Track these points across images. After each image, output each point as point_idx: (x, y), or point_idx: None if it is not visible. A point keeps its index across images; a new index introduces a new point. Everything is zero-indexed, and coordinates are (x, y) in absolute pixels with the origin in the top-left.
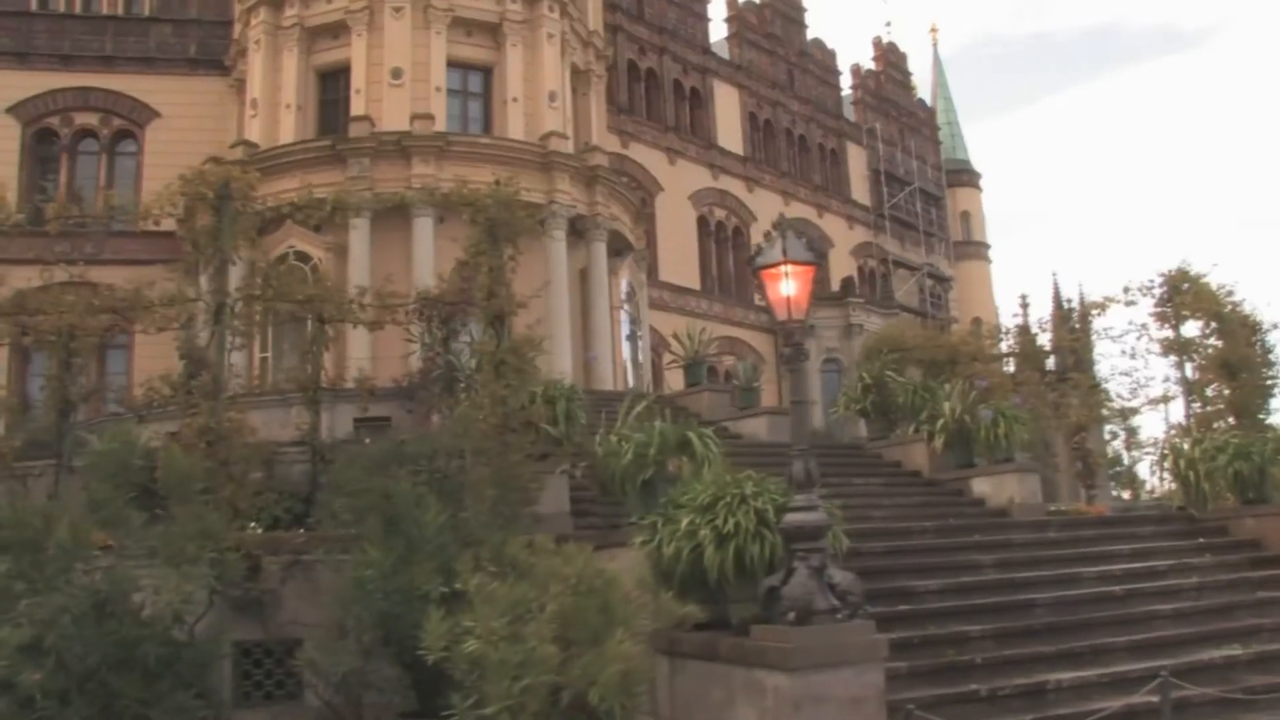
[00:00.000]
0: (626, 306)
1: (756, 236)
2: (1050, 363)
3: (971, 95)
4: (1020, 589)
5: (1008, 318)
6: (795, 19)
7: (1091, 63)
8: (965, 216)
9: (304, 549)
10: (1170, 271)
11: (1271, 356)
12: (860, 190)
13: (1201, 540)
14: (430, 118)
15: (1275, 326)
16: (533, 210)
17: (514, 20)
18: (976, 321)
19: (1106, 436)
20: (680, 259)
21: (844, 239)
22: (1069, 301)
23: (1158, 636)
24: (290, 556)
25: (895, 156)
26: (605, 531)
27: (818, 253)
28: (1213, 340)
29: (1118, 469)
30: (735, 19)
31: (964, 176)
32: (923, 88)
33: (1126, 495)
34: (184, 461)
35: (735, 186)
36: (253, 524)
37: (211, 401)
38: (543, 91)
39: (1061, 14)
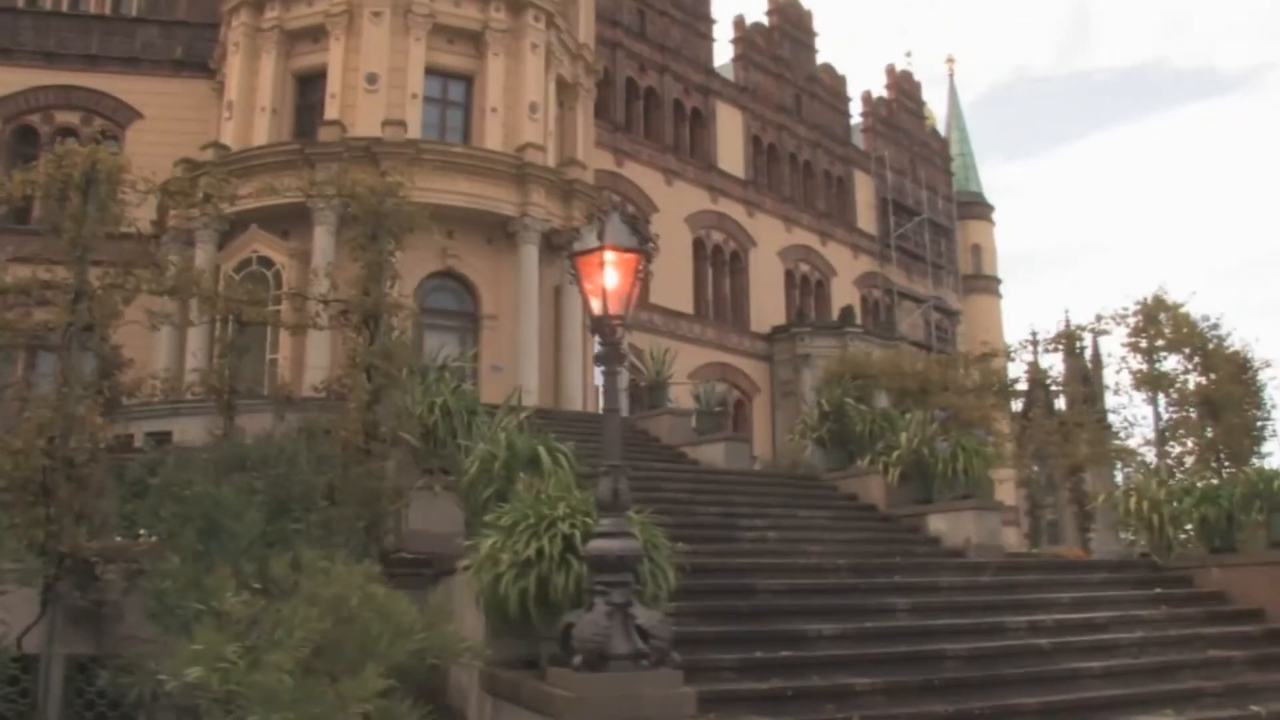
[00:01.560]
0: None
1: (755, 262)
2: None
3: (1007, 133)
4: (932, 638)
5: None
6: (805, 43)
7: (1132, 103)
8: (976, 250)
9: (147, 557)
10: (1146, 299)
11: (1263, 396)
12: (867, 219)
13: (1158, 590)
14: (402, 124)
15: (1267, 365)
16: (503, 221)
17: (497, 29)
18: (982, 358)
19: (1117, 477)
20: (674, 282)
21: (848, 268)
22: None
23: (1079, 698)
24: (135, 565)
25: (905, 186)
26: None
27: (643, 237)
28: (1194, 375)
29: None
30: (741, 40)
31: (976, 209)
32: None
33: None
34: (8, 461)
35: (735, 210)
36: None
37: (59, 398)
38: (523, 102)
39: (1101, 54)
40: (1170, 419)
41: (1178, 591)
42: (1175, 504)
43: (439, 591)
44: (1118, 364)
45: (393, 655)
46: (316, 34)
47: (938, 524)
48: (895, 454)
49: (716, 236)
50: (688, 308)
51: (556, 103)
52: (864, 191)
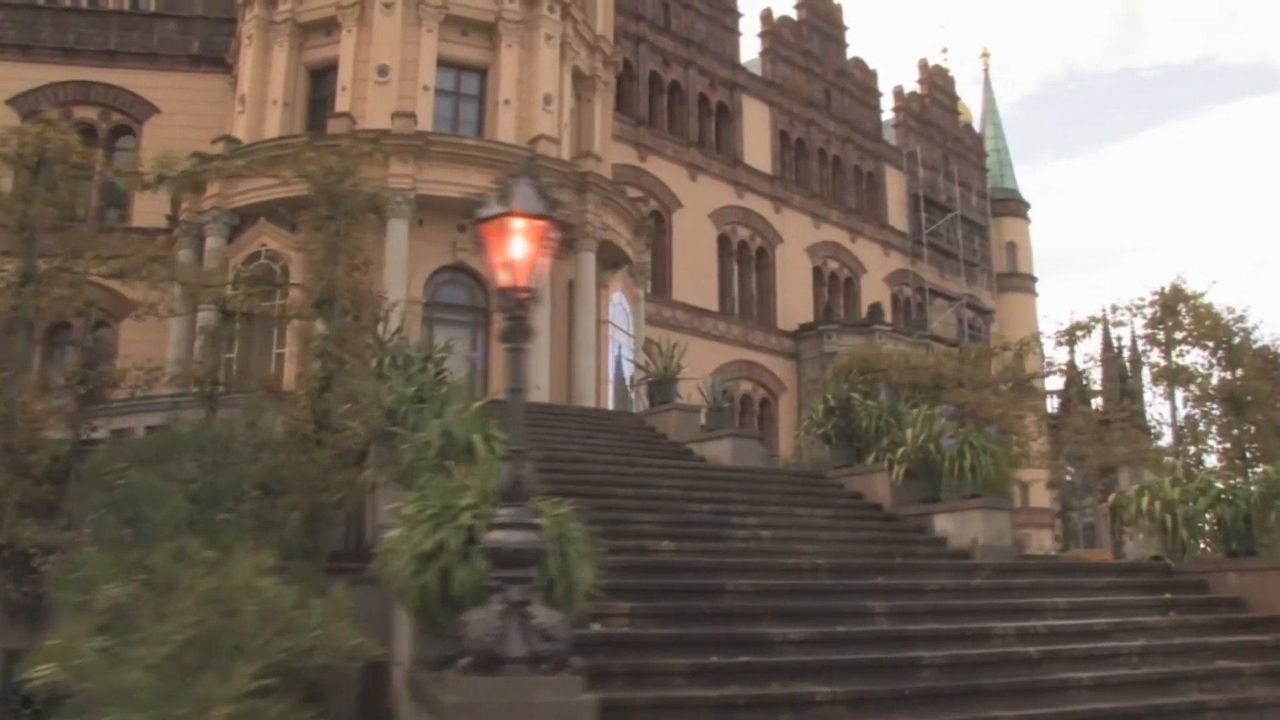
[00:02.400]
0: (618, 322)
1: (782, 258)
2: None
3: (1057, 131)
4: (909, 644)
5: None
6: (835, 37)
7: (1183, 100)
8: (1011, 247)
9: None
10: (1163, 288)
11: None
12: (898, 216)
13: (1168, 596)
14: (411, 116)
15: None
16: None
17: (511, 20)
18: (993, 351)
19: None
20: (698, 278)
21: (878, 265)
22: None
23: (1063, 712)
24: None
25: (937, 182)
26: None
27: (551, 202)
28: (1218, 370)
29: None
30: (769, 34)
31: (1011, 206)
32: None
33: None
34: None
35: (761, 206)
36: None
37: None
38: (538, 95)
39: (1152, 50)
40: (1190, 416)
41: (1190, 597)
42: (1190, 505)
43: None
44: (1137, 355)
45: (269, 653)
46: (329, 26)
47: (944, 524)
48: (900, 451)
49: (742, 232)
50: (712, 304)
51: (573, 95)
52: (895, 188)
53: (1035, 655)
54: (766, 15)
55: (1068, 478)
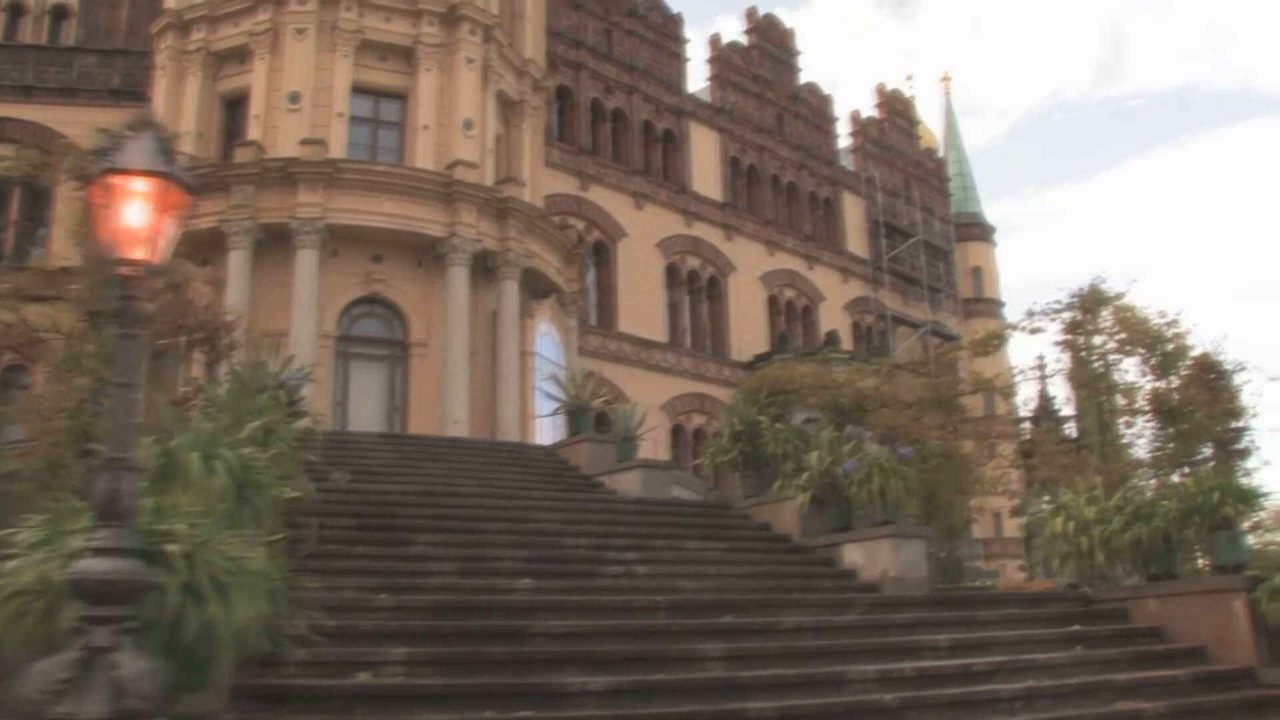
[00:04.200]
0: (546, 353)
1: (735, 288)
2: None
3: (1042, 161)
4: (743, 694)
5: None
6: (786, 62)
7: (1168, 128)
8: (977, 272)
9: None
10: (1081, 289)
11: (1237, 402)
12: (857, 242)
13: (1077, 628)
14: (322, 143)
15: (1241, 368)
16: (432, 243)
17: (429, 44)
18: (901, 369)
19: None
20: (645, 309)
21: (837, 292)
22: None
23: None
24: None
25: (898, 207)
26: None
27: (172, 159)
28: (1150, 379)
29: None
30: (717, 60)
31: (975, 230)
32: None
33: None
34: None
35: (711, 234)
36: None
37: None
38: (458, 119)
39: (1135, 79)
40: (1111, 423)
41: (1103, 629)
42: (1106, 525)
43: None
44: (1050, 363)
45: None
46: (243, 55)
47: (853, 555)
48: (805, 476)
49: (692, 261)
50: (661, 336)
51: (500, 121)
52: (854, 213)
53: (892, 704)
54: (714, 41)
55: (1044, 505)
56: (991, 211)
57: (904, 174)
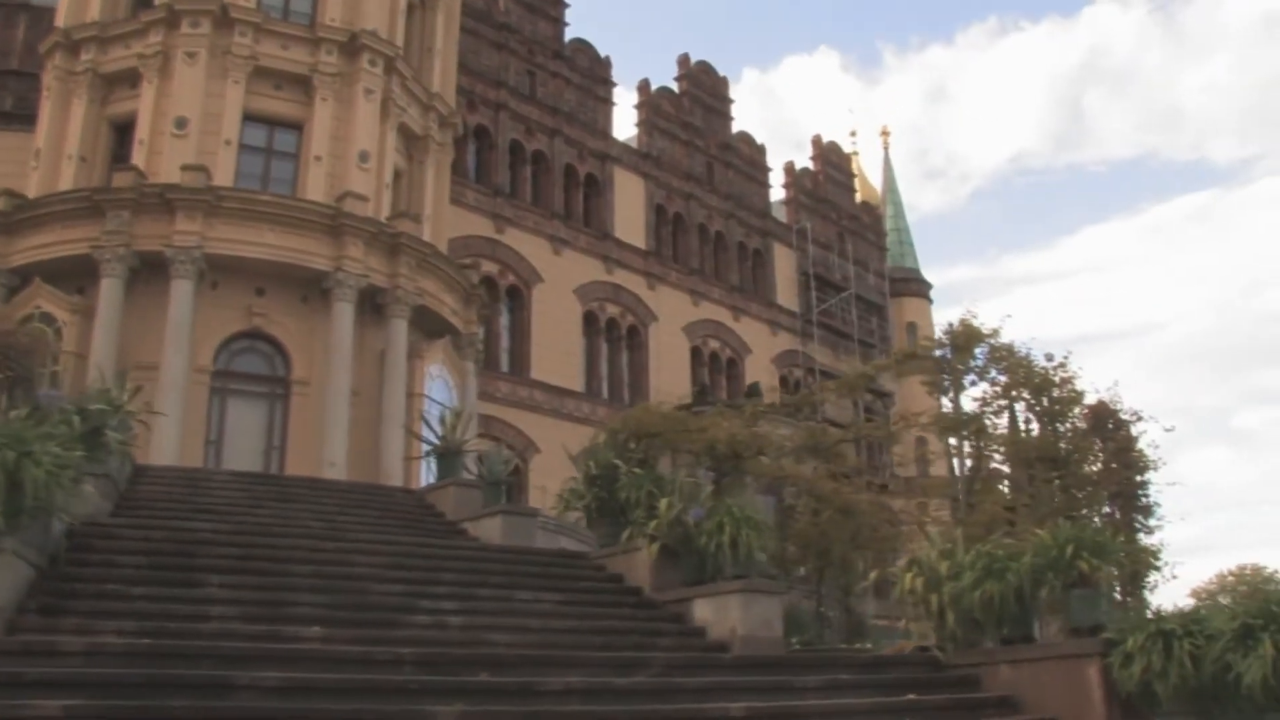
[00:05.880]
0: (437, 396)
1: (657, 337)
2: None
3: (1002, 227)
4: None
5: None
6: (719, 110)
7: (1128, 194)
8: (912, 327)
9: None
10: (952, 325)
11: (1140, 454)
12: (787, 294)
13: (913, 696)
14: (203, 169)
15: (1138, 418)
16: (318, 277)
17: (326, 73)
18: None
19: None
20: (561, 356)
21: (765, 345)
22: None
23: None
24: None
25: (831, 260)
26: None
27: None
28: (1034, 424)
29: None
30: (646, 105)
31: (912, 285)
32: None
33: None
34: None
35: (633, 282)
36: None
37: None
38: (353, 151)
39: (1094, 147)
40: (982, 473)
41: (944, 698)
42: (955, 581)
43: None
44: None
45: None
46: (133, 78)
47: (703, 611)
48: (653, 524)
49: (611, 309)
50: (576, 384)
51: (403, 156)
52: (784, 265)
53: None
54: (644, 86)
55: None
56: (950, 275)
57: (838, 227)
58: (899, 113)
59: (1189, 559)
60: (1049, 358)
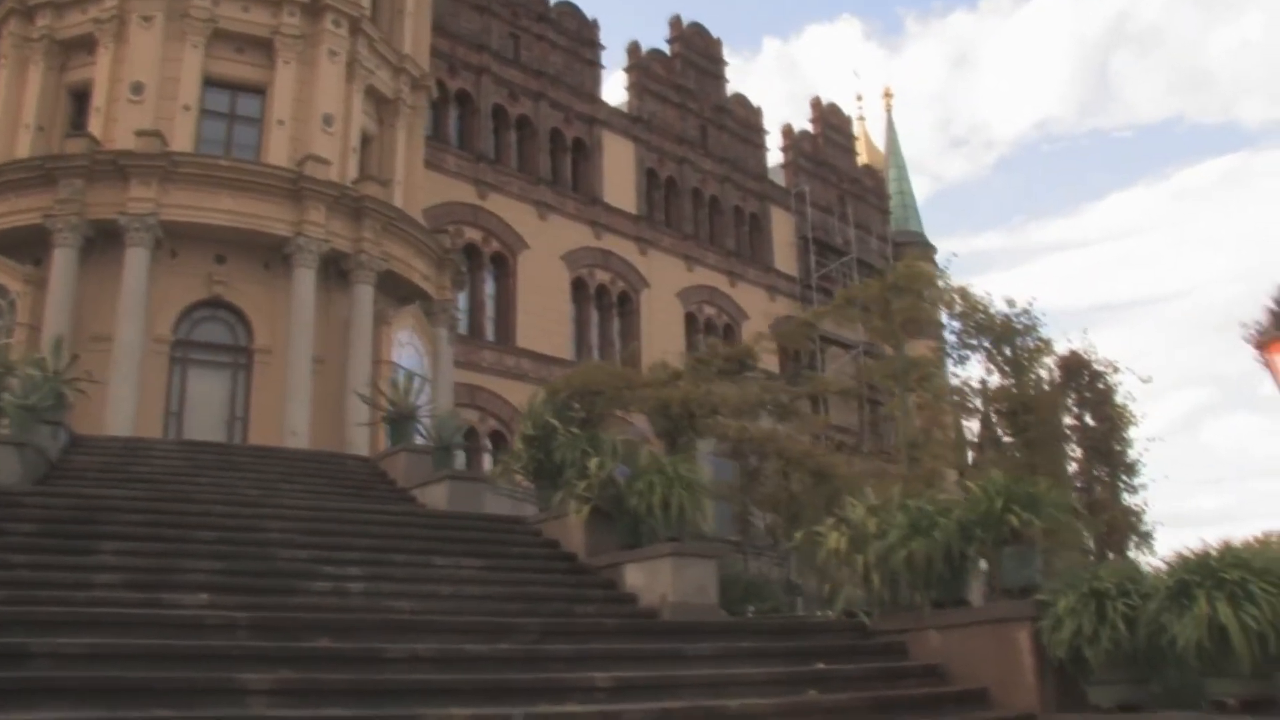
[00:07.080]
0: (406, 363)
1: (649, 304)
2: None
3: (1028, 194)
4: None
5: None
6: (712, 72)
7: (1155, 159)
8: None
9: None
10: (894, 267)
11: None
12: (786, 259)
13: (822, 666)
14: (157, 135)
15: (1114, 369)
16: (279, 243)
17: (289, 34)
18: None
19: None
20: (549, 324)
21: (762, 311)
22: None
23: None
24: None
25: (831, 224)
26: None
27: None
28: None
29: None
30: (636, 68)
31: (916, 249)
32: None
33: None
34: None
35: (624, 247)
36: None
37: None
38: (317, 115)
39: (1121, 112)
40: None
41: (858, 668)
42: (881, 540)
43: None
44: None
45: None
46: (90, 44)
47: (634, 577)
48: (583, 485)
49: (601, 276)
50: (566, 352)
51: (373, 120)
52: (783, 230)
53: None
54: (634, 49)
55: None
56: (974, 244)
57: (839, 190)
58: (921, 81)
59: (1217, 527)
60: (1010, 303)
